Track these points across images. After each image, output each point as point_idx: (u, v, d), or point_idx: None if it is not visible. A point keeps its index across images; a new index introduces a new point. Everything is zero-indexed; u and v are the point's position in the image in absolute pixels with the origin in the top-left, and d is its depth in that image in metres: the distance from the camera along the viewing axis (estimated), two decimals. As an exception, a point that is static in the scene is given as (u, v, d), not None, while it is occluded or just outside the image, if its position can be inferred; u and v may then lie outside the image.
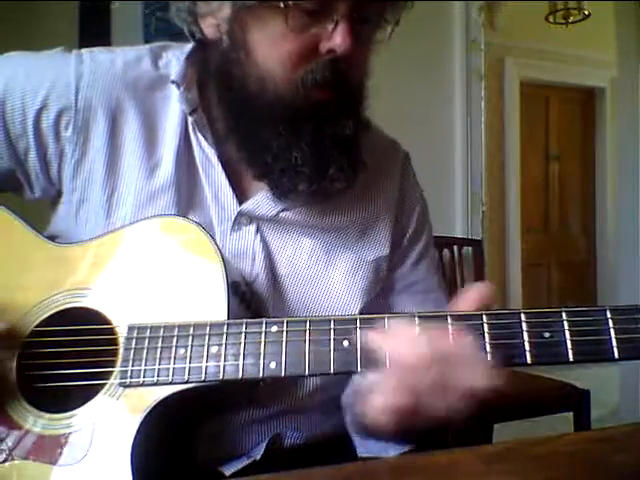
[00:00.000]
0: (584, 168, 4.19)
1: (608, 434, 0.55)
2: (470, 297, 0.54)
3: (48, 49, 0.72)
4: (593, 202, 4.18)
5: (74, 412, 0.55)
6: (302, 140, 0.65)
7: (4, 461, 0.54)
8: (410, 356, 0.50)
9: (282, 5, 0.60)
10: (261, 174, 0.69)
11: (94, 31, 1.99)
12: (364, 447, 0.68)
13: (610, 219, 3.97)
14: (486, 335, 0.51)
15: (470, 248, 2.32)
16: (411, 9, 0.72)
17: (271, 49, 0.63)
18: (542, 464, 0.48)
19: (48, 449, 0.54)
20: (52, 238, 0.67)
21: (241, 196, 0.71)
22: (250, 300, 0.66)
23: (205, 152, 0.70)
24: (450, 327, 0.51)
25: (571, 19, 3.34)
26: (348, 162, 0.67)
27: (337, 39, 0.61)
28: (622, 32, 2.87)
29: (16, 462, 0.54)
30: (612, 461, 0.49)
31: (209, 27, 0.67)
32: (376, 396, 0.51)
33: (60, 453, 0.53)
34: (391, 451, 0.66)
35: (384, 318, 0.53)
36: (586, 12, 3.29)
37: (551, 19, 3.40)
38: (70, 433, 0.54)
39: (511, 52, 3.65)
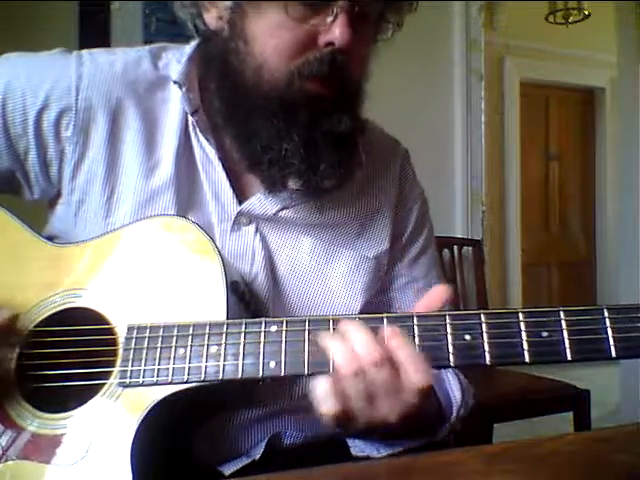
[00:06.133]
0: (584, 168, 4.19)
1: (608, 434, 0.55)
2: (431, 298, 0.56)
3: (48, 49, 0.72)
4: (593, 202, 4.18)
5: (73, 412, 0.55)
6: (293, 132, 0.64)
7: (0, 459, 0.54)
8: (345, 363, 0.51)
9: None
10: (251, 164, 0.69)
11: (94, 31, 1.99)
12: (355, 446, 0.68)
13: (610, 219, 3.97)
14: (484, 334, 0.51)
15: (470, 248, 2.32)
16: (414, 12, 0.72)
17: (269, 39, 0.63)
18: (542, 464, 0.48)
19: (46, 449, 0.54)
20: (50, 239, 0.67)
21: (241, 196, 0.71)
22: (249, 300, 0.66)
23: (206, 152, 0.70)
24: (386, 329, 0.52)
25: (571, 19, 3.34)
26: (341, 160, 0.67)
27: (336, 31, 0.61)
28: (622, 32, 2.87)
29: (13, 461, 0.54)
30: (612, 461, 0.49)
31: (212, 19, 0.68)
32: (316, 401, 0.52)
33: (58, 453, 0.53)
34: (382, 450, 0.67)
35: (382, 317, 0.53)
36: (586, 12, 3.29)
37: (551, 19, 3.40)
38: (68, 433, 0.54)
39: (511, 52, 3.65)
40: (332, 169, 0.66)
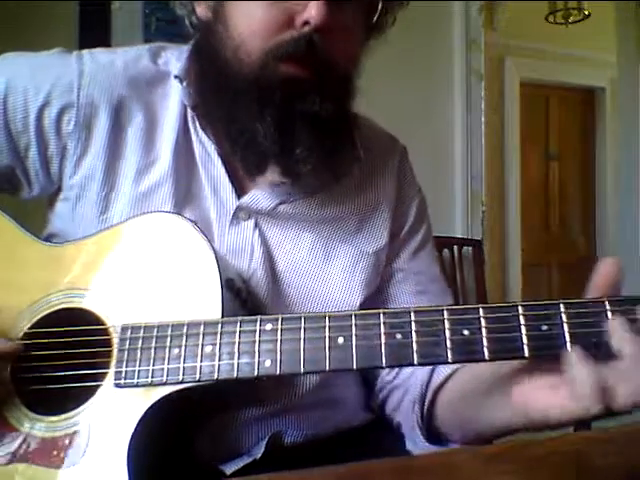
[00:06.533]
0: (584, 168, 4.18)
1: (608, 434, 0.55)
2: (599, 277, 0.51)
3: (48, 49, 0.73)
4: (593, 202, 4.18)
5: (69, 414, 0.55)
6: (267, 113, 0.64)
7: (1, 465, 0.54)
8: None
9: None
10: (231, 148, 0.69)
11: (94, 31, 1.98)
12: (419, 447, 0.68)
13: (610, 219, 3.97)
14: (483, 329, 0.50)
15: (470, 248, 2.32)
16: (406, 6, 0.72)
17: (246, 19, 0.63)
18: (542, 464, 0.48)
19: (44, 452, 0.53)
20: (50, 237, 0.67)
21: (240, 191, 0.71)
22: (246, 297, 0.66)
23: (205, 147, 0.71)
24: None
25: (571, 19, 3.34)
26: (317, 144, 0.65)
27: (312, 10, 0.60)
28: (622, 32, 2.88)
29: (13, 466, 0.53)
30: (612, 461, 0.49)
31: (202, 11, 0.69)
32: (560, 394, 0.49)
33: (56, 455, 0.53)
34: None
35: (379, 313, 0.52)
36: (586, 12, 3.28)
37: (551, 19, 3.39)
38: (66, 435, 0.54)
39: (511, 52, 3.64)
40: (308, 152, 0.65)
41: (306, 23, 0.61)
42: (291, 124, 0.64)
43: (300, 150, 0.65)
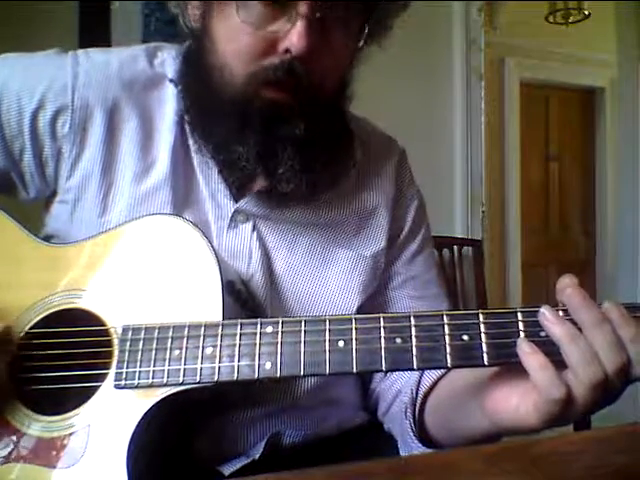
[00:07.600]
0: (584, 168, 4.18)
1: (608, 434, 0.55)
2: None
3: (47, 49, 0.72)
4: (593, 202, 4.18)
5: (69, 414, 0.55)
6: (249, 136, 0.64)
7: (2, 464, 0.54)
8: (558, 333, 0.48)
9: None
10: (218, 168, 0.69)
11: (94, 31, 1.99)
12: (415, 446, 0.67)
13: (610, 219, 3.97)
14: (483, 335, 0.50)
15: (470, 248, 2.31)
16: (403, 12, 0.71)
17: (229, 41, 0.63)
18: (542, 464, 0.48)
19: (44, 452, 0.53)
20: (47, 238, 0.67)
21: (237, 194, 0.71)
22: (246, 299, 0.66)
23: (202, 150, 0.70)
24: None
25: (571, 19, 3.35)
26: (301, 164, 0.65)
27: (293, 38, 0.60)
28: (622, 32, 2.88)
29: (12, 465, 0.53)
30: (612, 461, 0.49)
31: (193, 16, 0.69)
32: (527, 393, 0.49)
33: (56, 456, 0.53)
34: None
35: (379, 317, 0.52)
36: (586, 12, 3.29)
37: (551, 19, 3.40)
38: (66, 436, 0.54)
39: (511, 52, 3.65)
40: (291, 172, 0.65)
41: (287, 50, 0.61)
42: (273, 147, 0.64)
43: (283, 170, 0.65)
